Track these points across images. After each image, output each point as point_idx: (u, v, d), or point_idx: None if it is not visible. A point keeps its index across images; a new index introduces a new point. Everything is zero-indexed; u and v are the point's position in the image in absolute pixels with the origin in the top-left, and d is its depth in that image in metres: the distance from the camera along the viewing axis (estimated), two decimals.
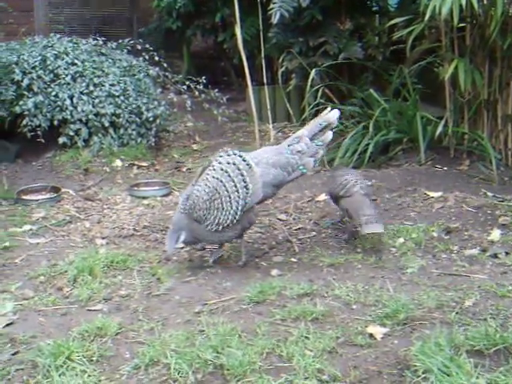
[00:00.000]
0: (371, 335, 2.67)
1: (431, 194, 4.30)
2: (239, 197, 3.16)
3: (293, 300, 3.00)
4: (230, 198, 3.16)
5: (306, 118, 5.78)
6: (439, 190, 4.35)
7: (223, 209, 3.18)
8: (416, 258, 3.44)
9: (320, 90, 5.63)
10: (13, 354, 2.60)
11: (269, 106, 5.64)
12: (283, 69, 6.11)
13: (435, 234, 3.71)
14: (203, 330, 2.72)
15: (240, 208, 3.19)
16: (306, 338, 2.63)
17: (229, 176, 3.16)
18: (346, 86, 5.96)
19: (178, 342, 2.61)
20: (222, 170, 3.19)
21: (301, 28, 6.00)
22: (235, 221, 3.22)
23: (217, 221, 3.22)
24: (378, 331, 2.68)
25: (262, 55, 5.60)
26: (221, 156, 3.27)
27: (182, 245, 3.45)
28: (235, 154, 3.24)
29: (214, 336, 2.63)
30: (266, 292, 3.05)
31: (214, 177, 3.19)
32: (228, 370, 2.41)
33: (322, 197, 4.39)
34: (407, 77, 5.33)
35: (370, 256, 3.49)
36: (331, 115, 3.40)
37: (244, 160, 3.19)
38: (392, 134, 5.19)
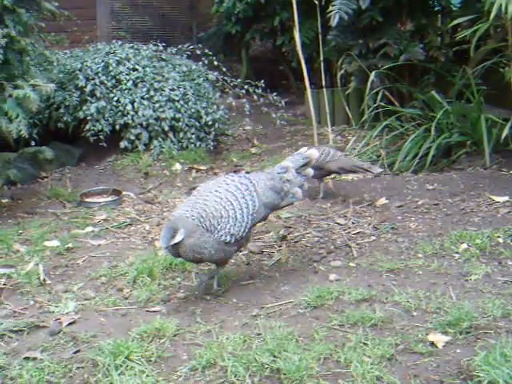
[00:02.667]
0: (432, 343, 2.59)
1: (496, 198, 4.16)
2: (249, 212, 3.17)
3: (351, 305, 2.95)
4: (242, 211, 3.15)
5: (366, 120, 5.72)
6: (505, 194, 4.20)
7: (237, 219, 3.13)
8: (480, 264, 3.33)
9: (380, 93, 5.56)
10: (74, 353, 2.66)
11: (327, 109, 5.59)
12: (342, 71, 6.06)
13: (501, 240, 3.58)
14: (260, 334, 2.71)
15: (250, 222, 3.19)
16: (365, 344, 2.58)
17: (242, 193, 3.18)
18: (407, 89, 5.85)
19: (234, 345, 2.60)
20: (235, 186, 3.20)
21: (360, 30, 5.93)
22: (244, 234, 3.18)
23: (232, 231, 3.12)
24: (439, 339, 2.60)
25: (321, 58, 5.56)
26: (232, 176, 3.31)
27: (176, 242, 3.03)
28: (245, 177, 3.29)
29: (271, 340, 2.62)
30: (323, 297, 3.01)
31: (227, 190, 3.18)
32: (284, 374, 2.39)
33: (382, 201, 4.32)
34: (471, 78, 5.19)
35: (431, 262, 3.39)
36: (312, 152, 3.49)
37: (251, 182, 3.25)
38: (455, 137, 5.06)
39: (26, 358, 2.60)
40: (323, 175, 4.47)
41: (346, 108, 6.19)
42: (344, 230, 3.96)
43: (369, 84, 5.51)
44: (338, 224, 4.05)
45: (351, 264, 3.47)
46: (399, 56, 5.70)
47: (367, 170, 4.43)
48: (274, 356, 2.49)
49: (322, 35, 5.77)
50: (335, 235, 3.89)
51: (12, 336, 2.83)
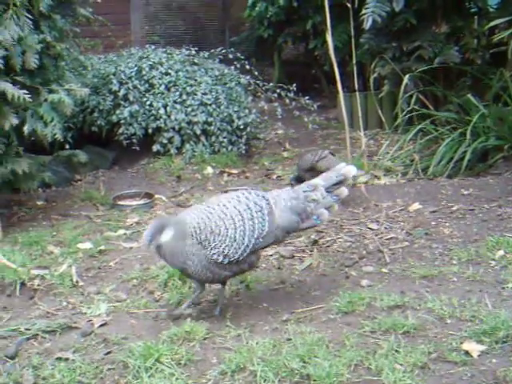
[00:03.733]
0: (467, 352, 2.53)
1: None
2: (253, 236, 2.92)
3: (383, 312, 2.91)
4: (244, 233, 2.90)
5: (399, 124, 5.65)
6: None
7: (235, 241, 2.89)
8: None
9: (414, 96, 5.49)
10: (105, 354, 2.68)
11: (360, 113, 5.54)
12: (375, 75, 6.01)
13: None
14: (290, 339, 2.68)
15: (251, 246, 2.92)
16: (397, 351, 2.54)
17: (251, 215, 2.93)
18: (442, 92, 5.77)
19: (264, 350, 2.59)
20: (247, 205, 2.95)
21: (394, 33, 5.89)
22: (241, 258, 2.92)
23: (226, 251, 2.88)
24: (474, 348, 2.54)
25: (354, 61, 5.52)
26: (250, 193, 3.03)
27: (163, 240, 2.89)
28: (263, 197, 3.01)
29: (301, 345, 2.59)
30: (355, 302, 2.97)
31: (235, 207, 2.94)
32: (315, 380, 2.37)
33: (416, 206, 4.25)
34: (508, 80, 5.09)
35: (466, 268, 3.32)
36: (348, 169, 3.14)
37: (268, 204, 2.99)
38: (491, 141, 4.97)
39: (58, 359, 2.63)
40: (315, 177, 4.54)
41: (379, 111, 6.13)
42: (376, 235, 3.91)
43: (402, 87, 5.45)
44: (371, 229, 4.01)
45: (383, 270, 3.42)
46: (434, 59, 5.63)
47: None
48: (304, 362, 2.47)
49: (354, 38, 5.72)
50: (367, 240, 3.85)
51: (45, 336, 2.87)
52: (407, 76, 5.53)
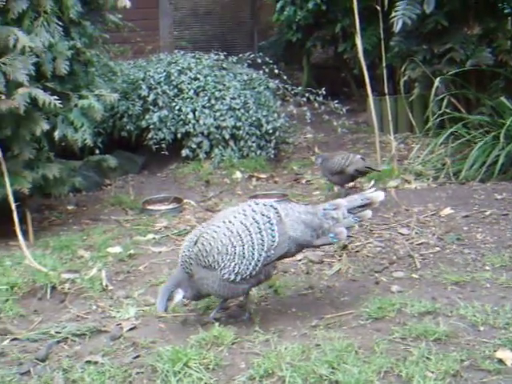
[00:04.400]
0: (500, 360, 2.47)
1: None
2: (263, 249, 2.86)
3: (413, 318, 2.86)
4: (253, 248, 2.85)
5: (430, 128, 5.58)
6: None
7: (244, 257, 2.85)
8: None
9: (445, 99, 5.41)
10: (134, 358, 2.69)
11: (390, 117, 5.49)
12: (405, 78, 5.94)
13: None
14: (319, 345, 2.66)
15: (262, 260, 2.87)
16: (428, 358, 2.49)
17: (258, 228, 2.88)
18: (474, 95, 5.68)
19: (293, 355, 2.56)
20: (253, 219, 2.89)
21: (424, 35, 5.81)
22: (254, 272, 2.89)
23: (236, 269, 2.85)
24: (508, 356, 2.48)
25: (384, 64, 5.47)
26: (257, 204, 2.98)
27: (177, 303, 2.98)
28: (271, 206, 2.96)
29: (330, 351, 2.56)
30: (385, 308, 2.93)
31: (241, 222, 2.88)
32: None
33: (447, 211, 4.19)
34: None
35: (500, 274, 3.25)
36: (376, 195, 3.08)
37: (277, 213, 2.93)
38: None
39: (88, 362, 2.65)
40: (346, 180, 4.77)
41: (410, 115, 6.06)
42: (407, 240, 3.85)
43: (433, 90, 5.38)
44: (401, 234, 3.95)
45: (414, 275, 3.37)
46: (466, 61, 5.54)
47: (374, 170, 4.81)
48: (333, 368, 2.44)
49: (384, 41, 5.68)
50: (398, 245, 3.80)
51: (75, 339, 2.89)
52: (438, 79, 5.46)
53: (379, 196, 3.08)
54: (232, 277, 2.87)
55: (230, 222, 2.91)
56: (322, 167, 4.90)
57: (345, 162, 4.65)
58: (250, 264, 2.87)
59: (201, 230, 2.97)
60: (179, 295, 2.89)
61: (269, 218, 2.90)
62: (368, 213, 3.06)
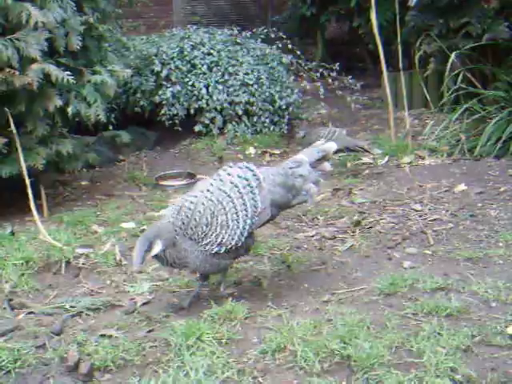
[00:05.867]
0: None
1: None
2: (247, 215, 2.74)
3: (425, 294, 2.87)
4: (237, 215, 2.72)
5: (445, 103, 5.52)
6: None
7: (228, 227, 2.71)
8: None
9: (460, 75, 5.34)
10: (148, 332, 2.72)
11: (405, 93, 5.43)
12: (421, 53, 5.87)
13: None
14: (331, 320, 2.67)
15: (247, 228, 2.76)
16: (439, 334, 2.50)
17: (239, 192, 2.74)
18: (490, 70, 5.59)
19: (305, 330, 2.58)
20: (231, 183, 2.76)
21: (440, 9, 5.72)
22: (240, 243, 2.77)
23: (219, 240, 2.72)
24: None
25: (399, 40, 5.39)
26: (231, 167, 2.87)
27: (153, 254, 2.74)
28: (247, 168, 2.85)
29: (342, 326, 2.58)
30: (397, 284, 2.94)
31: (220, 189, 2.75)
32: (355, 361, 2.35)
33: (461, 187, 4.16)
34: None
35: None
36: (329, 146, 3.11)
37: (254, 175, 2.81)
38: None
39: (102, 336, 2.68)
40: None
41: (425, 90, 5.99)
42: (420, 216, 3.84)
43: (449, 65, 5.31)
44: (414, 210, 3.94)
45: (427, 251, 3.37)
46: (482, 35, 5.45)
47: (366, 151, 4.80)
48: (345, 343, 2.45)
49: (400, 16, 5.60)
50: (411, 221, 3.79)
51: (89, 314, 2.93)
52: (454, 53, 5.38)
53: (332, 147, 3.11)
54: (215, 249, 2.73)
55: (208, 190, 2.77)
56: (305, 139, 4.84)
57: (331, 137, 4.61)
58: (236, 233, 2.74)
59: (182, 199, 2.83)
60: (158, 246, 2.67)
61: (247, 180, 2.79)
62: (327, 165, 3.10)
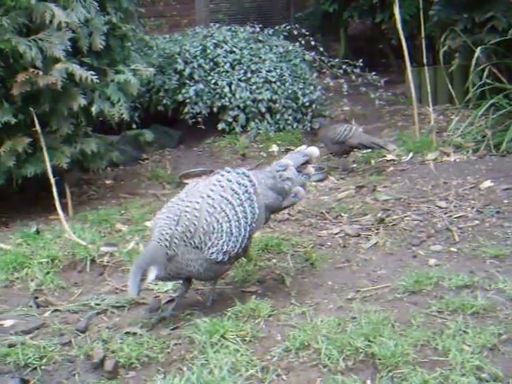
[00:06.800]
0: None
1: None
2: (247, 222, 2.76)
3: (451, 292, 2.83)
4: (239, 222, 2.74)
5: (470, 99, 5.45)
6: None
7: (232, 233, 2.72)
8: None
9: (486, 69, 5.27)
10: (172, 329, 2.73)
11: (429, 88, 5.38)
12: (445, 48, 5.81)
13: None
14: (355, 318, 2.66)
15: (248, 235, 2.77)
16: (465, 332, 2.47)
17: (239, 199, 2.75)
18: None
19: (329, 328, 2.57)
20: (232, 190, 2.76)
21: (465, 3, 5.66)
22: (241, 249, 2.78)
23: (225, 248, 2.71)
24: None
25: (423, 35, 5.34)
26: (228, 172, 2.87)
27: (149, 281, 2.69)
28: (243, 174, 2.85)
29: (366, 324, 2.56)
30: (422, 282, 2.91)
31: (222, 196, 2.74)
32: (379, 359, 2.34)
33: (487, 183, 4.10)
34: None
35: None
36: (312, 150, 3.15)
37: (251, 181, 2.83)
38: None
39: (127, 333, 2.70)
40: (344, 151, 4.85)
41: (449, 86, 5.93)
42: (445, 213, 3.80)
43: (474, 60, 5.24)
44: (439, 207, 3.90)
45: (452, 249, 3.33)
46: (508, 30, 5.38)
47: (382, 147, 4.79)
48: (369, 340, 2.44)
49: (423, 10, 5.54)
50: (436, 219, 3.74)
51: (114, 311, 2.95)
52: (479, 48, 5.31)
53: (315, 151, 3.15)
54: (220, 257, 2.72)
55: (209, 196, 2.75)
56: (321, 133, 4.99)
57: (348, 134, 4.75)
58: (238, 240, 2.75)
59: (179, 207, 2.74)
60: (153, 273, 2.63)
61: (246, 187, 2.80)
62: (311, 169, 3.14)
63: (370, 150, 4.98)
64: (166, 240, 2.66)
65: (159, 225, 2.72)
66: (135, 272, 2.60)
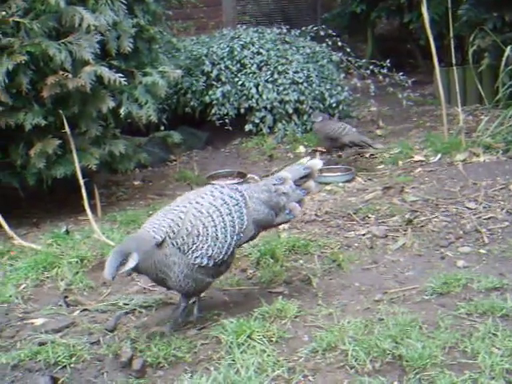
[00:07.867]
0: None
1: None
2: (234, 231, 2.73)
3: (480, 294, 2.80)
4: (225, 229, 2.71)
5: (500, 99, 5.38)
6: None
7: (217, 239, 2.68)
8: None
9: None
10: (199, 329, 2.74)
11: (458, 88, 5.31)
12: (474, 48, 5.73)
13: None
14: (382, 319, 2.64)
15: (234, 243, 2.74)
16: (494, 334, 2.44)
17: (228, 209, 2.73)
18: None
19: (356, 329, 2.56)
20: (223, 200, 2.75)
21: (495, 2, 5.59)
22: (226, 257, 2.73)
23: (210, 252, 2.67)
24: None
25: (451, 34, 5.29)
26: (222, 187, 2.85)
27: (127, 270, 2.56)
28: (237, 191, 2.82)
29: (394, 326, 2.54)
30: (450, 284, 2.88)
31: (211, 203, 2.72)
32: (407, 361, 2.32)
33: None
34: None
35: None
36: (314, 163, 3.05)
37: (242, 195, 2.81)
38: None
39: (154, 333, 2.72)
40: (336, 147, 5.10)
41: (479, 86, 5.85)
42: (474, 214, 3.75)
43: (504, 60, 5.17)
44: (468, 208, 3.85)
45: (481, 251, 3.29)
46: None
47: (370, 145, 5.00)
48: (396, 342, 2.42)
49: (452, 10, 5.48)
50: (464, 220, 3.70)
51: (142, 311, 2.98)
52: (509, 47, 5.23)
53: (317, 164, 3.06)
54: (205, 261, 2.66)
55: (197, 202, 2.73)
56: (318, 127, 5.17)
57: (341, 132, 4.95)
58: (224, 247, 2.70)
59: (168, 210, 2.73)
60: (134, 260, 2.52)
61: (237, 200, 2.78)
62: (312, 184, 3.02)
63: (358, 148, 5.21)
64: (154, 227, 2.63)
65: (150, 220, 2.74)
66: (115, 255, 2.52)
